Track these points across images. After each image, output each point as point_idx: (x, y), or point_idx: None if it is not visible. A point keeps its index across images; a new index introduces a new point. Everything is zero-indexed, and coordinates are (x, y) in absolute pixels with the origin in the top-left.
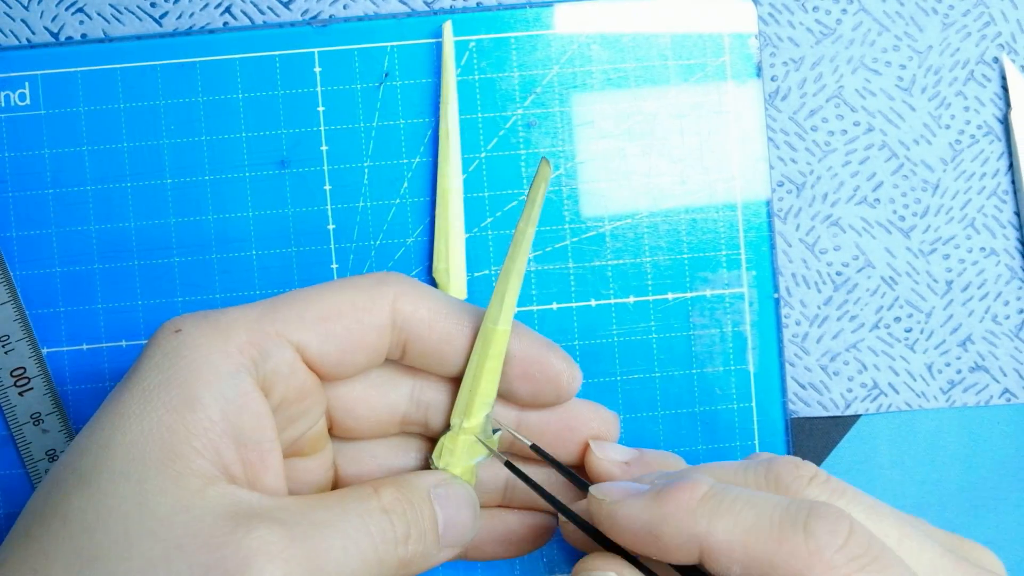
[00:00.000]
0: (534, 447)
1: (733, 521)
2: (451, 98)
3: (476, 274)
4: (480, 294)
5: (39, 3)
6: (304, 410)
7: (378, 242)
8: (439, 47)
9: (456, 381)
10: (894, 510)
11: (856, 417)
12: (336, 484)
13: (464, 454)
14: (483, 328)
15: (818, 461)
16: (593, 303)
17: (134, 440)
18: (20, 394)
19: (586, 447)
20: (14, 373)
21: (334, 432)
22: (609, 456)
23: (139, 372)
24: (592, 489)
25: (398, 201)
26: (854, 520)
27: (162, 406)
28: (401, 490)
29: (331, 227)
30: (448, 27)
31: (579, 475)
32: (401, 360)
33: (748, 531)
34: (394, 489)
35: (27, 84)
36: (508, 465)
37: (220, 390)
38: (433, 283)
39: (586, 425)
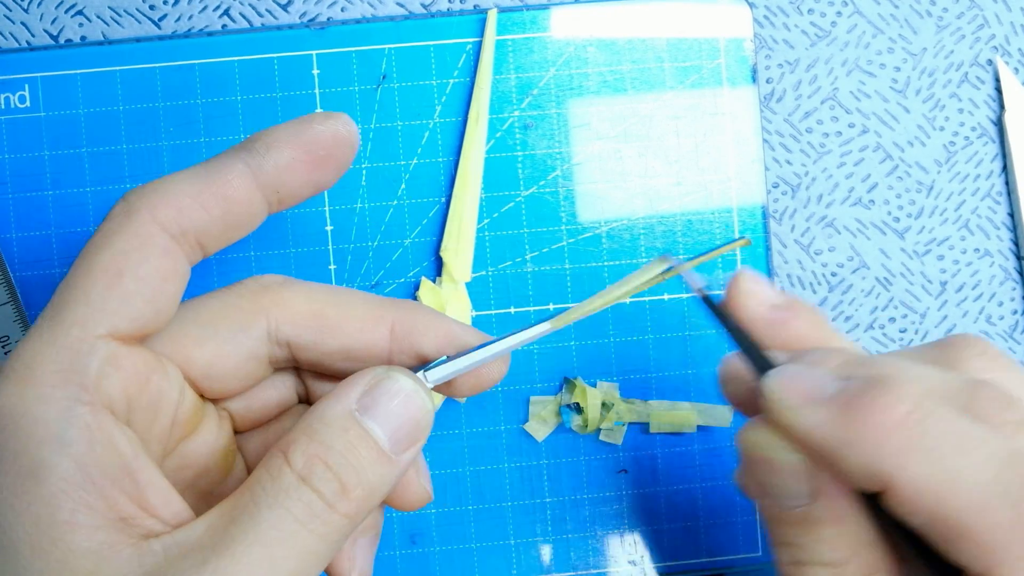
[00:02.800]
0: (706, 299)
1: (932, 467)
2: (485, 83)
3: (474, 275)
4: (478, 295)
5: (39, 6)
6: (159, 394)
7: (375, 243)
8: (438, 49)
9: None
10: None
11: None
12: (234, 444)
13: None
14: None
15: None
16: None
17: (3, 542)
18: None
19: (738, 272)
20: None
21: (207, 398)
22: (763, 296)
23: None
24: (768, 383)
25: (395, 203)
26: None
27: (7, 491)
28: (313, 438)
29: (329, 228)
30: (493, 15)
31: (755, 347)
32: (208, 253)
33: (949, 487)
34: (305, 441)
35: (27, 86)
36: (706, 300)
37: (58, 440)
38: (440, 263)
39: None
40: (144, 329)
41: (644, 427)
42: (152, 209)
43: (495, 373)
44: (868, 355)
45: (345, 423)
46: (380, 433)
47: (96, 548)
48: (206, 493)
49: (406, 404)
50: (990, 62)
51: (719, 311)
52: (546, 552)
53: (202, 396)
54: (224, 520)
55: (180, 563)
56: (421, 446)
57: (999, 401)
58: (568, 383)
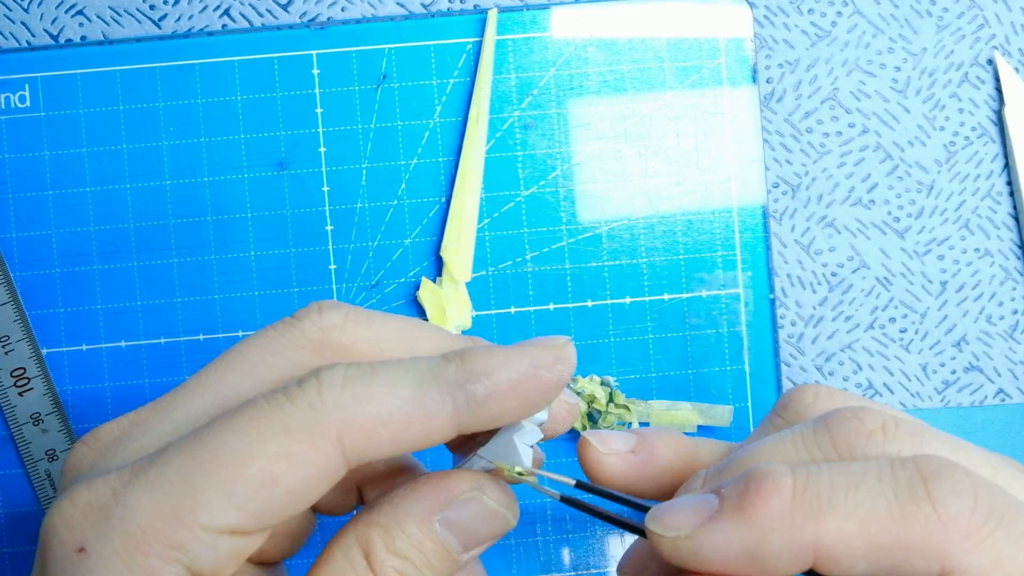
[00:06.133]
0: (579, 484)
1: (844, 513)
2: (485, 83)
3: (474, 275)
4: (478, 295)
5: (39, 5)
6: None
7: (375, 243)
8: (438, 49)
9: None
10: (965, 442)
11: None
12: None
13: None
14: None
15: None
16: (590, 304)
17: None
18: (20, 394)
19: (581, 443)
20: (14, 373)
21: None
22: (612, 447)
23: None
24: (652, 523)
25: (395, 202)
26: (968, 470)
27: None
28: (391, 546)
29: (329, 228)
30: (493, 15)
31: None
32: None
33: (865, 520)
34: (383, 547)
35: (27, 86)
36: (567, 501)
37: None
38: (440, 263)
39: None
40: (268, 528)
41: (643, 426)
42: (344, 430)
43: (562, 419)
44: (725, 453)
45: (423, 536)
46: (455, 544)
47: None
48: None
49: (489, 524)
50: (990, 62)
51: (598, 492)
52: (546, 552)
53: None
54: None
55: None
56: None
57: (848, 424)
58: (572, 380)
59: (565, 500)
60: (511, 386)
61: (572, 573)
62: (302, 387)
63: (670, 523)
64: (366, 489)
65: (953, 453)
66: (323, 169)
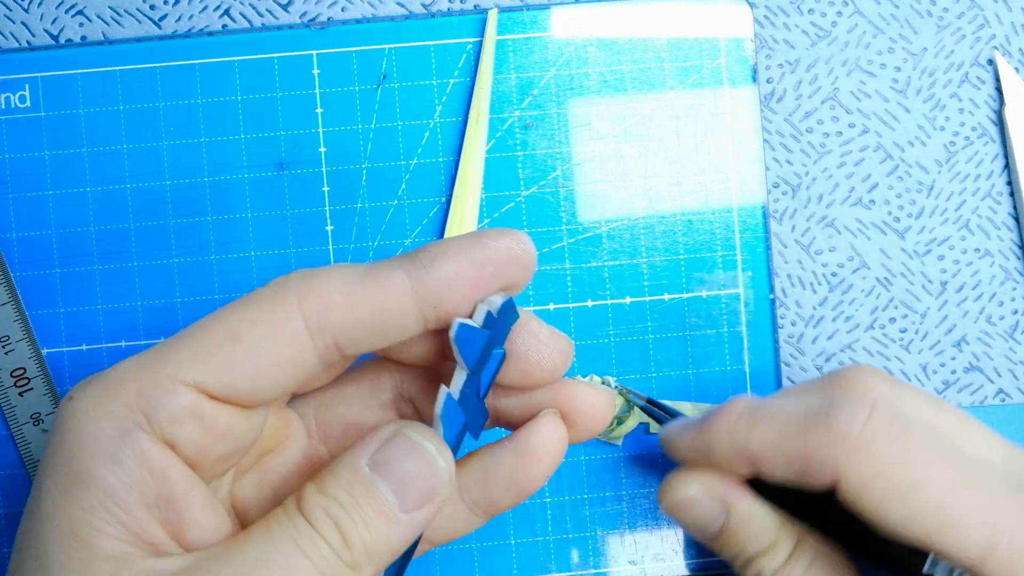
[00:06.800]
0: (649, 401)
1: (767, 427)
2: (486, 83)
3: None
4: None
5: (39, 5)
6: (238, 443)
7: (376, 243)
8: (438, 49)
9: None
10: (945, 404)
11: None
12: (316, 457)
13: None
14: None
15: None
16: (590, 304)
17: (38, 532)
18: (20, 394)
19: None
20: (14, 373)
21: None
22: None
23: (43, 452)
24: (657, 429)
25: (396, 202)
26: (878, 399)
27: (54, 488)
28: (321, 489)
29: (329, 228)
30: (493, 15)
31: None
32: (348, 357)
33: (780, 432)
34: (313, 490)
35: (27, 86)
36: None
37: (111, 456)
38: None
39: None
40: (233, 398)
41: (644, 427)
42: (301, 294)
43: (550, 355)
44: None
45: (351, 477)
46: (387, 492)
47: (117, 555)
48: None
49: (418, 464)
50: (990, 62)
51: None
52: (546, 552)
53: (245, 405)
54: (237, 547)
55: (191, 572)
56: (439, 505)
57: (850, 372)
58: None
59: (649, 404)
60: (457, 252)
61: (571, 573)
62: (275, 279)
63: (664, 429)
64: None
65: (929, 405)
66: (323, 169)
